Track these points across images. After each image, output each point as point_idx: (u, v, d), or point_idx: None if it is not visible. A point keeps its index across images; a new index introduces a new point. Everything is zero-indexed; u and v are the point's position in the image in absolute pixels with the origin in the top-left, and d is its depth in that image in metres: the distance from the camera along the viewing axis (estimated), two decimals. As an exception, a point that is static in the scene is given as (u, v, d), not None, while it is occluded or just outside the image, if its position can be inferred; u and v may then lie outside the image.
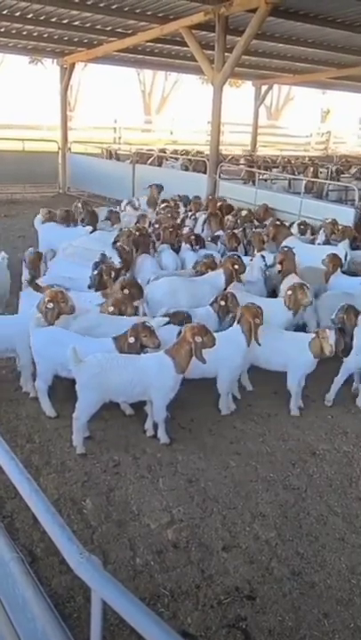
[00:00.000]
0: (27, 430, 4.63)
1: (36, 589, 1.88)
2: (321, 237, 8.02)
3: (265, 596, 3.17)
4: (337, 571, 3.38)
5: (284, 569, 3.36)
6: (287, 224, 8.53)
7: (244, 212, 9.24)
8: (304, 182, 11.24)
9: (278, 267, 6.32)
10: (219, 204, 9.94)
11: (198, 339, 4.32)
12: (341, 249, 7.29)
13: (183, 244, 7.48)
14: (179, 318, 5.01)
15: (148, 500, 3.86)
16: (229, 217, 9.14)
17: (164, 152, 17.53)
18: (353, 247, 7.75)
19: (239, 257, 6.30)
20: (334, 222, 8.07)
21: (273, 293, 6.46)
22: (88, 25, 13.50)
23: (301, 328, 5.95)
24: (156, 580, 3.23)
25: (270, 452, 4.54)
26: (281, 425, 4.90)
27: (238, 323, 4.85)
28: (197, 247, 7.35)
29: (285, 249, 6.56)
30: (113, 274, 5.74)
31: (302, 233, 8.49)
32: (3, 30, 14.27)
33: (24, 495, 1.97)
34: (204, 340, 4.35)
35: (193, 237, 7.50)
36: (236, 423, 4.89)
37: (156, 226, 8.02)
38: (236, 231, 7.95)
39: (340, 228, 7.98)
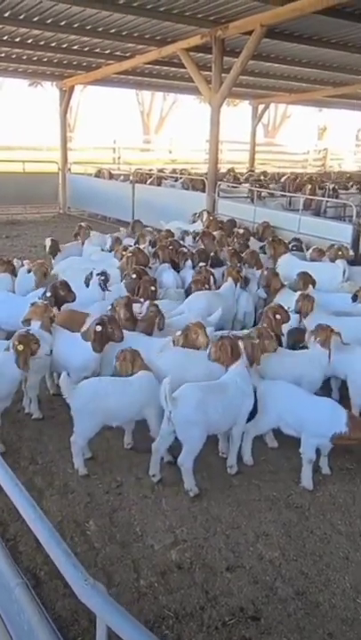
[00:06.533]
0: (29, 452, 4.65)
1: (42, 615, 1.89)
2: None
3: (270, 616, 3.16)
4: (341, 590, 3.37)
5: (288, 589, 3.35)
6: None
7: (241, 231, 9.33)
8: (302, 199, 11.35)
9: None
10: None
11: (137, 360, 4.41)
12: (340, 265, 7.34)
13: (182, 263, 7.55)
14: None
15: (152, 521, 3.87)
16: (218, 232, 9.26)
17: (163, 172, 17.73)
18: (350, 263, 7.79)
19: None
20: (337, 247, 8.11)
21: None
22: (87, 49, 13.74)
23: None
24: (160, 601, 3.22)
25: (273, 470, 4.54)
26: (283, 443, 4.90)
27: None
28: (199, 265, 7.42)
29: (268, 269, 6.79)
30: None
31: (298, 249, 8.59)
32: (3, 55, 14.54)
33: (29, 521, 1.99)
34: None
35: (195, 256, 7.58)
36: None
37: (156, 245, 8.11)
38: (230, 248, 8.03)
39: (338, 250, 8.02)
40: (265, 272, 6.46)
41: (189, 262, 7.53)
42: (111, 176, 16.73)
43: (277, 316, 5.36)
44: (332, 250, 7.94)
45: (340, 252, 7.85)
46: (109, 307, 5.51)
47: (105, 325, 4.82)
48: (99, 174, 17.10)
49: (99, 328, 4.79)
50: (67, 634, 2.95)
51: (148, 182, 15.55)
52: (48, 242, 8.37)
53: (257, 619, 3.14)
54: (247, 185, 14.21)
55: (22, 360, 4.41)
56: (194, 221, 10.73)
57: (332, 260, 7.66)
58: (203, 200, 12.03)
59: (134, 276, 6.32)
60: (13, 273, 6.86)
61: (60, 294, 5.77)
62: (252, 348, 4.60)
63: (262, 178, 17.01)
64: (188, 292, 6.54)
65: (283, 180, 16.16)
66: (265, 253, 8.05)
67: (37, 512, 1.97)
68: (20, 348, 4.41)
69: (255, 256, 7.50)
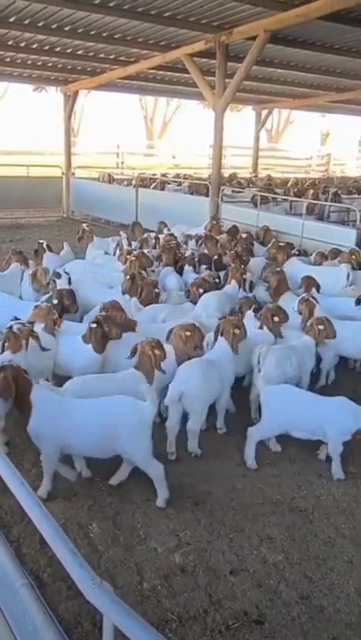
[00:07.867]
0: (32, 454, 4.63)
1: (47, 616, 1.88)
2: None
3: (273, 620, 3.14)
4: (346, 594, 3.36)
5: (292, 592, 3.34)
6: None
7: (244, 235, 9.34)
8: (305, 204, 11.35)
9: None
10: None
11: (157, 351, 4.42)
12: (343, 269, 7.34)
13: (186, 266, 7.56)
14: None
15: (155, 524, 3.85)
16: (223, 236, 9.26)
17: (166, 176, 17.76)
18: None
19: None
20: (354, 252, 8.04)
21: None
22: (91, 54, 13.81)
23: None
24: (163, 604, 3.21)
25: (277, 474, 4.53)
26: (287, 447, 4.89)
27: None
28: (200, 268, 7.44)
29: (277, 269, 6.79)
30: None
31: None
32: (8, 60, 14.62)
33: (34, 520, 1.99)
34: (161, 352, 4.45)
35: (195, 259, 7.59)
36: (241, 445, 4.84)
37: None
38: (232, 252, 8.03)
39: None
40: (267, 269, 6.54)
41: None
42: (112, 179, 16.74)
43: (276, 318, 5.41)
44: (345, 253, 7.92)
45: (353, 257, 7.81)
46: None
47: (101, 324, 4.84)
48: (106, 179, 17.10)
49: (94, 325, 4.81)
50: (70, 636, 2.94)
51: (152, 187, 15.58)
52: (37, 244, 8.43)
53: (261, 622, 3.12)
54: (255, 189, 14.20)
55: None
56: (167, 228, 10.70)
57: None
58: (206, 204, 12.06)
59: (127, 277, 6.35)
60: (25, 263, 6.95)
61: (65, 303, 5.79)
62: (234, 338, 4.77)
63: (272, 184, 16.91)
64: (187, 295, 6.56)
65: (288, 185, 16.18)
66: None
67: (43, 511, 1.96)
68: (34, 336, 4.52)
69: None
